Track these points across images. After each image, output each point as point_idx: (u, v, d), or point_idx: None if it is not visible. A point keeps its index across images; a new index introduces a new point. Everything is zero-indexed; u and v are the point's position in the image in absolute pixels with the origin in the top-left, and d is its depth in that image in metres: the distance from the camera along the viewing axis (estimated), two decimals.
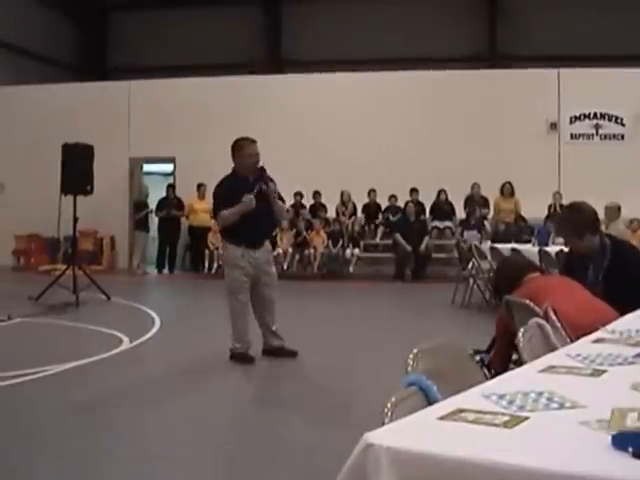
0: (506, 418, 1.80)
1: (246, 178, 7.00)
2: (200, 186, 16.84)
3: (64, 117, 17.13)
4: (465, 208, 16.09)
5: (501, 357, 4.16)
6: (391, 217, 16.44)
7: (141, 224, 17.02)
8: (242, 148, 7.04)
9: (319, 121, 16.80)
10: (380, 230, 16.64)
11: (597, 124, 16.49)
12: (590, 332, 3.19)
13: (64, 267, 11.98)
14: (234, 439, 4.90)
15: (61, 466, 4.25)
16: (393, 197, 16.47)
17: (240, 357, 7.00)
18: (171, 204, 17.20)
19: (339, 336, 8.84)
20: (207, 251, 16.40)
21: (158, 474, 4.24)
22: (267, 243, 7.31)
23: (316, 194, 16.47)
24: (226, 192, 6.97)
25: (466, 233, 15.27)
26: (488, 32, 20.14)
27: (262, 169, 7.04)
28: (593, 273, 4.83)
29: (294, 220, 16.39)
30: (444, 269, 15.31)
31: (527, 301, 3.90)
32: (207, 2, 21.06)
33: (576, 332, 3.36)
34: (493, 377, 2.53)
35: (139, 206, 17.14)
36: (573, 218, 5.10)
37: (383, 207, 16.71)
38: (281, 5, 21.48)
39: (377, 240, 16.68)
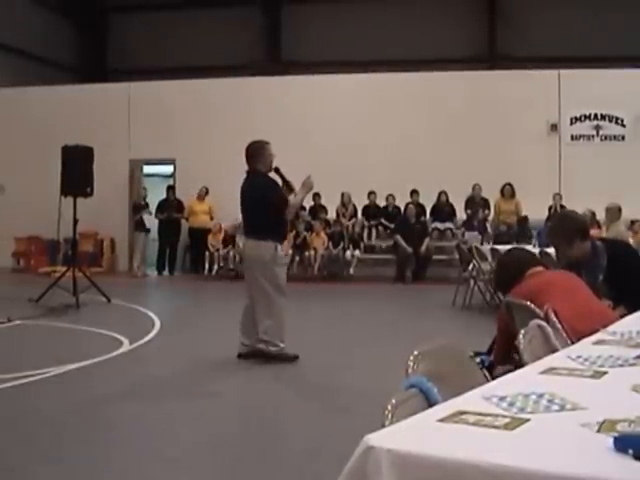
0: (507, 420, 1.79)
1: (269, 177, 7.33)
2: (202, 188, 16.92)
3: (64, 119, 17.14)
4: (466, 209, 16.09)
5: (502, 354, 4.13)
6: (386, 222, 16.48)
7: (139, 225, 17.02)
8: (264, 148, 7.34)
9: (320, 122, 16.80)
10: (380, 230, 16.65)
11: (597, 125, 16.49)
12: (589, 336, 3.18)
13: (64, 269, 11.98)
14: (235, 440, 4.89)
15: (61, 468, 4.25)
16: (391, 196, 16.48)
17: (286, 357, 7.09)
18: (171, 206, 17.22)
19: (340, 338, 8.84)
20: (207, 253, 16.40)
21: (159, 476, 4.24)
22: None
23: (316, 195, 16.45)
24: (275, 185, 7.23)
25: (467, 234, 15.27)
26: (488, 33, 20.15)
27: (276, 169, 7.35)
28: (590, 276, 4.83)
29: (294, 222, 16.38)
30: (445, 271, 15.29)
31: (528, 302, 3.89)
32: (207, 3, 21.07)
33: (576, 336, 3.36)
34: (494, 374, 2.53)
35: (137, 207, 17.15)
36: (562, 226, 5.12)
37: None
38: (281, 6, 21.48)
39: (377, 241, 16.67)
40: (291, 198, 7.22)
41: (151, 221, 17.10)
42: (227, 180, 16.73)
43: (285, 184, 7.34)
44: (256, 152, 7.31)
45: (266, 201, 7.13)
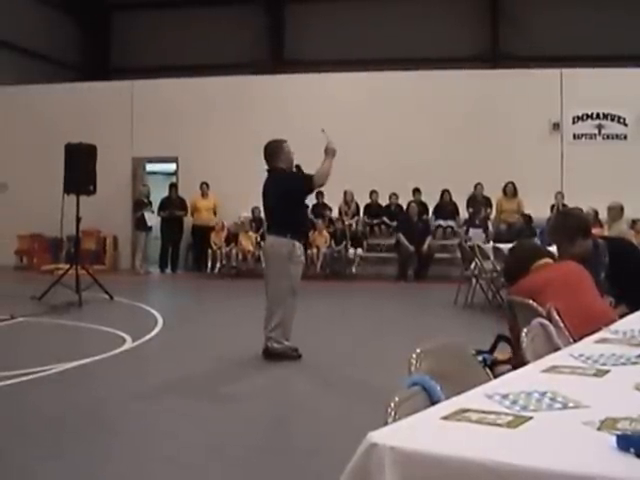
0: (509, 418, 1.80)
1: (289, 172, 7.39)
2: (202, 184, 16.92)
3: (67, 117, 17.15)
4: (468, 208, 16.10)
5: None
6: (388, 221, 16.50)
7: (140, 223, 17.01)
8: (282, 146, 7.40)
9: (322, 121, 16.70)
10: (383, 229, 16.65)
11: (600, 124, 16.47)
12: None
13: (67, 267, 11.98)
14: (237, 438, 4.89)
15: (62, 466, 4.25)
16: (394, 195, 16.48)
17: (289, 355, 7.12)
18: (173, 204, 17.23)
19: (342, 336, 8.83)
20: (210, 251, 16.40)
21: (160, 474, 4.24)
22: None
23: (319, 194, 16.45)
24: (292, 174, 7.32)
25: (472, 231, 15.27)
26: (490, 32, 20.12)
27: (298, 167, 7.43)
28: (592, 274, 4.83)
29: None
30: (447, 269, 15.29)
31: (530, 301, 3.90)
32: (210, 2, 21.07)
33: (577, 335, 3.36)
34: (496, 372, 2.53)
35: (138, 205, 17.14)
36: (564, 223, 5.12)
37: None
38: (284, 5, 21.46)
39: (380, 240, 16.68)
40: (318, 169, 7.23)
41: (153, 219, 17.09)
42: (229, 178, 16.86)
43: None
44: (274, 151, 7.37)
45: (290, 193, 7.21)
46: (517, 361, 4.11)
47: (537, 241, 11.66)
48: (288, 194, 7.21)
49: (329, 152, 7.25)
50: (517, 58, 18.83)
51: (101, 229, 17.37)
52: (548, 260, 4.47)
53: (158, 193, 17.78)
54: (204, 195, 17.05)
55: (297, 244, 7.17)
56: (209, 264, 16.39)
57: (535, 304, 3.81)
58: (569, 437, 1.69)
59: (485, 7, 20.20)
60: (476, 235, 14.64)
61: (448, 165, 15.94)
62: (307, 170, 7.45)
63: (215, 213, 16.98)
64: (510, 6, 19.87)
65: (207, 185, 16.96)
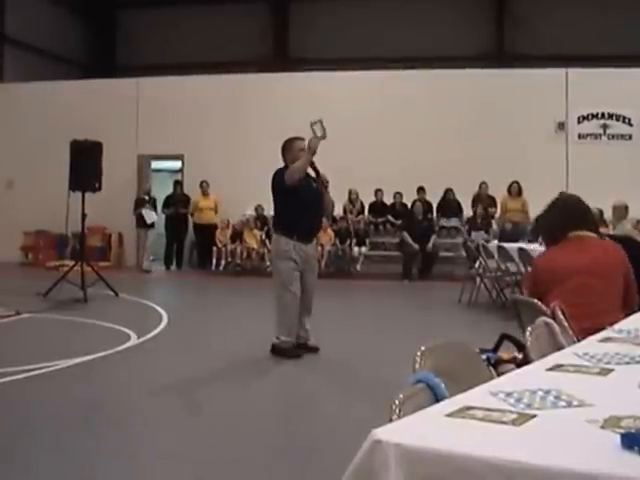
0: (514, 416, 1.80)
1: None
2: (202, 183, 16.89)
3: (73, 114, 17.17)
4: (472, 207, 16.09)
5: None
6: (393, 219, 16.51)
7: (139, 221, 17.00)
8: (291, 143, 7.44)
9: (327, 119, 16.69)
10: (388, 228, 16.65)
11: (605, 124, 16.45)
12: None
13: (72, 263, 12.00)
14: (241, 436, 4.89)
15: (66, 463, 4.26)
16: (398, 194, 16.48)
17: (288, 352, 7.12)
18: (179, 201, 17.23)
19: (346, 334, 8.84)
20: (215, 248, 16.41)
21: (163, 472, 4.25)
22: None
23: None
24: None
25: (473, 234, 15.26)
26: (496, 32, 20.11)
27: (311, 162, 7.34)
28: None
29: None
30: (451, 268, 15.28)
31: (534, 300, 3.90)
32: (215, 0, 21.08)
33: (581, 335, 3.36)
34: (499, 370, 2.53)
35: (137, 203, 17.13)
36: None
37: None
38: (289, 3, 21.48)
39: (384, 238, 16.68)
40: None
41: (153, 216, 17.02)
42: (234, 175, 16.86)
43: (319, 177, 7.44)
44: (284, 148, 7.46)
45: (275, 190, 7.29)
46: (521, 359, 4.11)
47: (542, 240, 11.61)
48: (275, 192, 7.33)
49: (311, 147, 7.21)
50: (522, 57, 18.83)
51: (106, 226, 17.40)
52: (588, 234, 4.23)
53: (163, 190, 17.80)
54: (205, 194, 17.02)
55: (284, 240, 7.15)
56: (214, 261, 16.41)
57: (540, 303, 3.80)
58: (573, 435, 1.70)
59: (490, 6, 20.20)
60: (478, 238, 14.61)
61: (453, 164, 15.92)
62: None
63: (216, 212, 16.95)
64: (516, 6, 19.86)
65: (207, 183, 16.92)
